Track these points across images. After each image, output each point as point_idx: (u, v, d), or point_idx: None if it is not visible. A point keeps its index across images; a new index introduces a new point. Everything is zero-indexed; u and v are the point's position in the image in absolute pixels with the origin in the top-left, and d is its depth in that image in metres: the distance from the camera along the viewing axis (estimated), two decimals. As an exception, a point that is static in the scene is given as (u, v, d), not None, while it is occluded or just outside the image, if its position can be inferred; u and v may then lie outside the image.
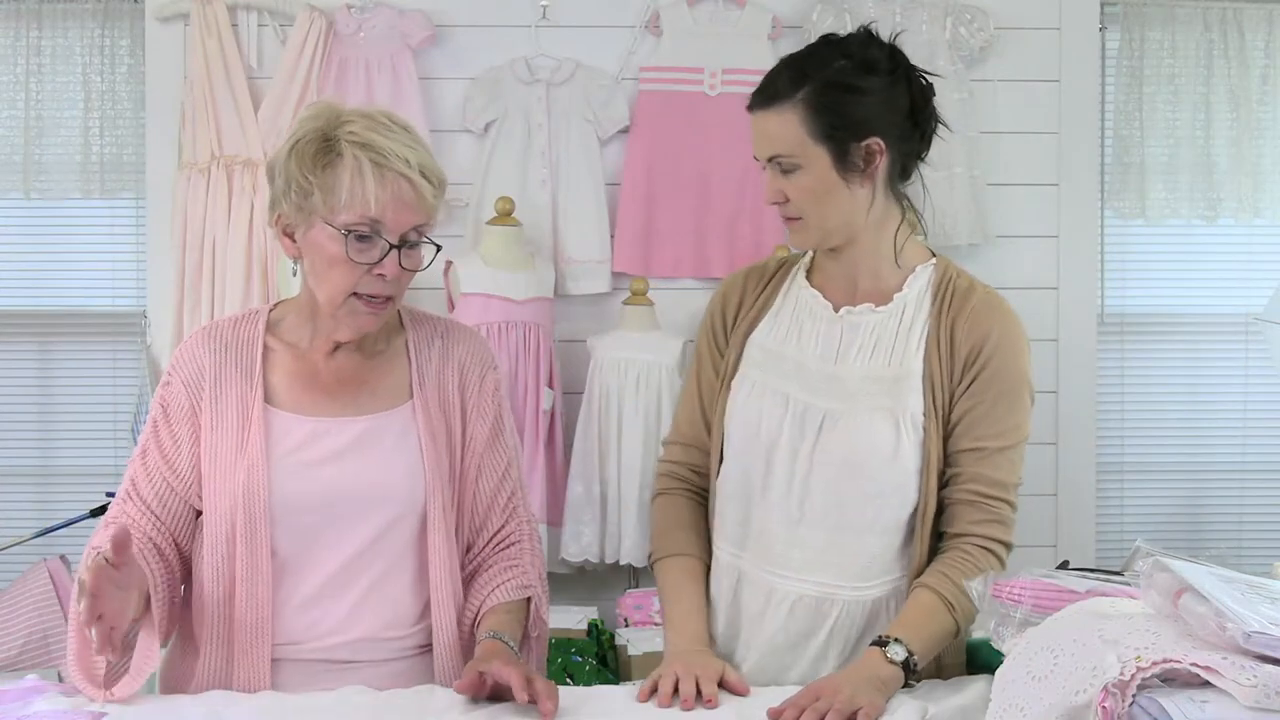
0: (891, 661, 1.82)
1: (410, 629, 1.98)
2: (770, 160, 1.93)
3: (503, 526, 2.07)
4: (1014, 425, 1.95)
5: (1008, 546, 1.95)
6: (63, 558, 3.61)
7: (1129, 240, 3.89)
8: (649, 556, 2.13)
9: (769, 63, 3.61)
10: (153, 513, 1.95)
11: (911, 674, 1.84)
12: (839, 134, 1.90)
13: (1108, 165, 3.83)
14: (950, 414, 1.95)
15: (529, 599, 2.03)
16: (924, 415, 1.93)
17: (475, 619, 2.01)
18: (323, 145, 1.89)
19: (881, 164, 1.93)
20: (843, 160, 1.91)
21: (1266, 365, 3.84)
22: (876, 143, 1.91)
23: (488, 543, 2.06)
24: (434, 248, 1.95)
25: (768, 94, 1.93)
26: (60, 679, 3.38)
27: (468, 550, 2.06)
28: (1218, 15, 3.78)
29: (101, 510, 3.44)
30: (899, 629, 1.87)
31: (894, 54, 1.94)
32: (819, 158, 1.91)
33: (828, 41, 1.96)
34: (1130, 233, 3.88)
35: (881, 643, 1.84)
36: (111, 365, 3.84)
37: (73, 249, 3.86)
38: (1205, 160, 3.80)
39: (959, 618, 1.89)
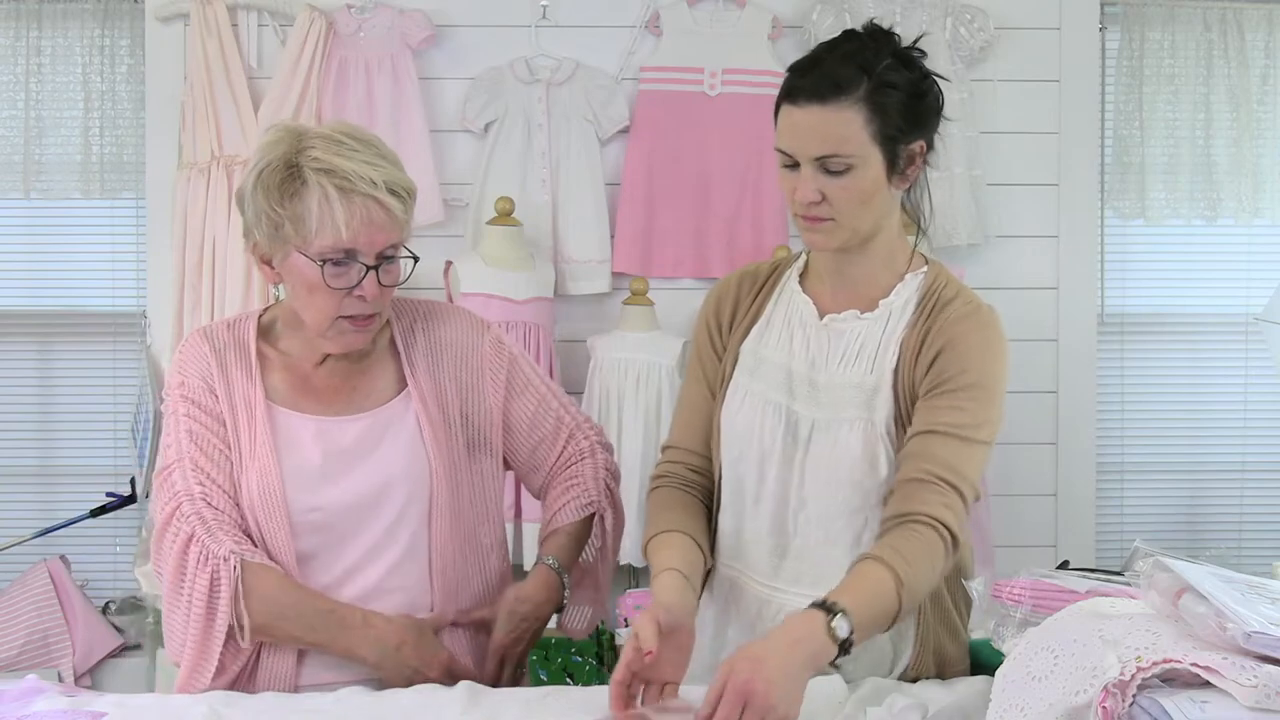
0: (834, 637, 1.64)
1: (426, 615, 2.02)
2: (818, 159, 1.82)
3: (561, 453, 2.15)
4: (974, 421, 1.82)
5: (958, 542, 1.78)
6: (63, 558, 3.62)
7: (1129, 240, 3.89)
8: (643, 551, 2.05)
9: (769, 63, 3.69)
10: (229, 498, 1.95)
11: (842, 653, 1.66)
12: (896, 135, 1.83)
13: (1108, 165, 3.83)
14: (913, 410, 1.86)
15: (593, 514, 2.11)
16: (895, 424, 1.87)
17: (541, 542, 2.13)
18: (287, 174, 1.88)
19: (919, 166, 1.88)
20: (893, 163, 1.84)
21: (1266, 365, 3.84)
22: (920, 145, 1.86)
23: (551, 469, 2.15)
24: (412, 259, 1.95)
25: (828, 88, 1.80)
26: (60, 679, 3.38)
27: (532, 479, 2.18)
28: (1218, 15, 3.78)
29: (102, 510, 3.45)
30: (850, 600, 1.67)
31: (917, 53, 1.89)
32: (873, 158, 1.82)
33: (870, 35, 1.86)
34: (1130, 233, 3.88)
35: (829, 609, 1.65)
36: (111, 365, 3.84)
37: (73, 249, 3.86)
38: (1205, 160, 3.80)
39: (905, 598, 1.72)
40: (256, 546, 1.94)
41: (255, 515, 1.94)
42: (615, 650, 3.42)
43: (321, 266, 1.87)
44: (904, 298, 1.93)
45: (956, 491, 1.79)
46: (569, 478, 2.14)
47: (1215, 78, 3.79)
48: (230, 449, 1.96)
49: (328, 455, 1.97)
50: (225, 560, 1.89)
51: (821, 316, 1.95)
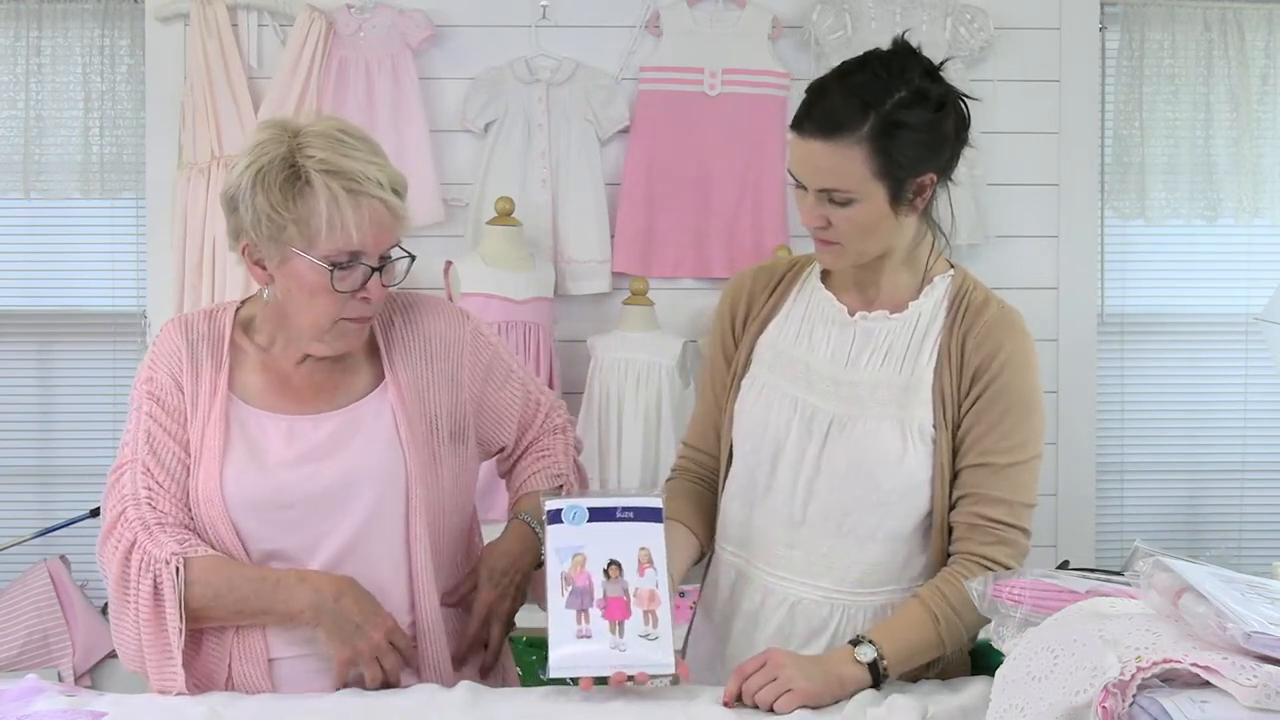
0: (858, 661, 1.82)
1: (402, 619, 1.97)
2: (820, 191, 1.87)
3: (535, 440, 2.19)
4: (1020, 442, 1.92)
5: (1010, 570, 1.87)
6: (63, 558, 3.62)
7: (1129, 240, 3.89)
8: None
9: (769, 63, 3.70)
10: (178, 500, 1.92)
11: (881, 678, 1.83)
12: (900, 172, 1.85)
13: (1108, 165, 3.82)
14: (959, 429, 1.92)
15: (561, 487, 2.14)
16: (934, 427, 1.91)
17: (513, 505, 2.17)
18: (289, 174, 1.84)
19: (930, 195, 1.91)
20: (898, 195, 1.87)
21: (1266, 365, 3.84)
22: (930, 177, 1.89)
23: (526, 447, 2.19)
24: (409, 258, 1.94)
25: (829, 125, 1.84)
26: (60, 679, 3.38)
27: (503, 462, 2.22)
28: (1218, 15, 3.78)
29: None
30: (876, 632, 1.87)
31: (940, 79, 1.89)
32: (876, 193, 1.86)
33: (882, 64, 1.88)
34: (1130, 233, 3.88)
35: (855, 641, 1.85)
36: (111, 365, 3.84)
37: (73, 249, 3.86)
38: (1205, 160, 3.79)
39: (944, 634, 1.88)
40: (205, 544, 1.90)
41: (203, 513, 1.91)
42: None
43: (331, 271, 1.85)
44: (933, 300, 1.98)
45: (1006, 525, 1.91)
46: (540, 451, 2.18)
47: (1215, 78, 3.78)
48: (187, 450, 1.93)
49: (297, 452, 1.93)
50: (166, 564, 1.86)
51: (851, 314, 1.99)
